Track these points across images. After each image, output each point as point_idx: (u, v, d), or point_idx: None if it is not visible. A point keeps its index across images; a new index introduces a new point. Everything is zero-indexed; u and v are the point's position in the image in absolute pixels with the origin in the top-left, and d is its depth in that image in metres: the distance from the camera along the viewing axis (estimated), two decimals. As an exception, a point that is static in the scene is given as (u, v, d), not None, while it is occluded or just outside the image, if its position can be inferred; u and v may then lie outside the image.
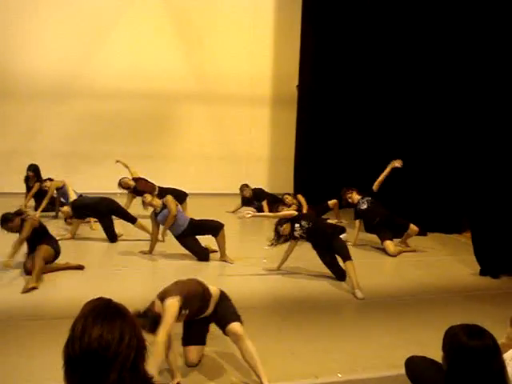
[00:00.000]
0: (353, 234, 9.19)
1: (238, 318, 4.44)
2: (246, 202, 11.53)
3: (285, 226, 7.21)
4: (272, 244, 7.33)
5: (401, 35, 10.52)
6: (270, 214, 8.75)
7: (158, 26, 13.24)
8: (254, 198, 11.44)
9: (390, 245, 8.78)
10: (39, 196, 10.30)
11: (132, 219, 8.96)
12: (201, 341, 4.69)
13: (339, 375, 4.68)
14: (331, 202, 10.62)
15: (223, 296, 4.66)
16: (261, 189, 11.63)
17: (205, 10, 13.59)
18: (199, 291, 4.46)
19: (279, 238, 7.26)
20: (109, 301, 2.02)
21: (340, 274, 7.24)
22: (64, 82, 12.81)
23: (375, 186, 9.29)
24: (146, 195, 8.36)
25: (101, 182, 12.07)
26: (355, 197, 9.24)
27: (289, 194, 10.92)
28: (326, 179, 12.10)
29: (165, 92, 13.31)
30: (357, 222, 9.23)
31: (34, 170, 10.65)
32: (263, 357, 4.92)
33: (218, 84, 13.64)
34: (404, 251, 8.91)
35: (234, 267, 7.77)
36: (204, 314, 4.50)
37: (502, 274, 7.78)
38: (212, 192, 13.09)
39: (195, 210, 11.00)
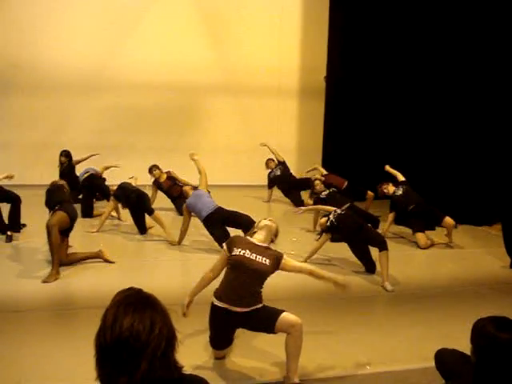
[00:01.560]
0: (384, 225, 9.11)
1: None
2: (272, 180, 11.69)
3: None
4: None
5: (426, 28, 10.44)
6: (319, 206, 8.66)
7: (186, 18, 13.26)
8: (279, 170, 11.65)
9: (421, 237, 8.71)
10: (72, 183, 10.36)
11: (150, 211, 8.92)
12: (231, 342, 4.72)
13: (368, 367, 4.67)
14: (369, 194, 10.54)
15: None
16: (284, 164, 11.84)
17: (232, 1, 13.58)
18: None
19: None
20: (139, 290, 2.05)
21: (370, 266, 7.20)
22: (92, 75, 12.91)
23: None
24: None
25: (128, 174, 12.14)
26: (391, 188, 9.17)
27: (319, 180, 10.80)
28: (354, 171, 12.02)
29: (192, 84, 13.34)
30: (391, 214, 9.13)
31: (66, 155, 10.79)
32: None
33: (245, 76, 13.63)
34: (434, 244, 8.83)
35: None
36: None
37: (532, 266, 7.68)
38: (239, 184, 13.10)
39: (223, 202, 11.04)
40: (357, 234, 7.13)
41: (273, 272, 4.48)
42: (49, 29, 12.73)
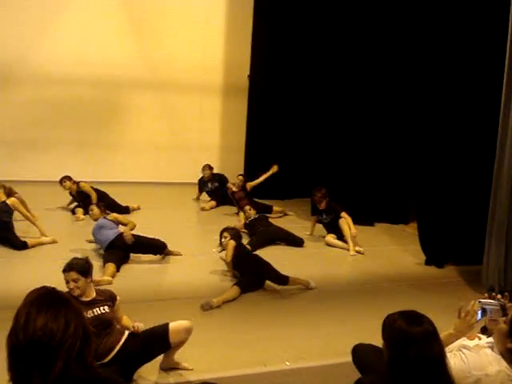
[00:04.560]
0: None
1: None
2: (202, 184, 11.50)
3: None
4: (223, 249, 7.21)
5: (352, 25, 10.61)
6: None
7: (108, 11, 12.96)
8: (213, 181, 11.41)
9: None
10: None
11: None
12: None
13: (287, 363, 4.72)
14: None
15: None
16: (223, 175, 11.63)
17: (156, -3, 13.41)
18: None
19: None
20: (53, 289, 2.00)
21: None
22: (9, 68, 12.44)
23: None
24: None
25: (47, 169, 11.84)
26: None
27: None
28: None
29: (114, 79, 13.09)
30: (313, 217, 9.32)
31: None
32: (211, 346, 4.95)
33: (168, 72, 13.47)
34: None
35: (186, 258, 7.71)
36: None
37: (446, 263, 7.96)
38: (162, 181, 12.97)
39: (145, 200, 10.94)
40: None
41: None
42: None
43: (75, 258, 4.53)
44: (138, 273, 7.07)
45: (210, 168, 11.48)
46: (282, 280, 6.49)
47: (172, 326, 4.28)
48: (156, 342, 4.27)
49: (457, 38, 7.68)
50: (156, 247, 7.43)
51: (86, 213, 9.08)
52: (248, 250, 7.30)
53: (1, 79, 12.45)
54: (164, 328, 4.28)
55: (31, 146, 12.32)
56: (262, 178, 10.73)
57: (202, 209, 10.81)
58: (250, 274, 6.57)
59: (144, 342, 4.24)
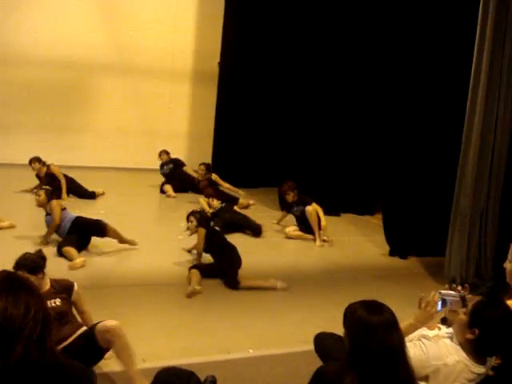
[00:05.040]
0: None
1: None
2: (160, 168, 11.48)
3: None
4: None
5: (324, 14, 10.63)
6: None
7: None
8: (168, 163, 11.39)
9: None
10: None
11: None
12: None
13: (250, 351, 4.75)
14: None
15: None
16: (179, 159, 11.58)
17: (126, -20, 13.24)
18: None
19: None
20: (13, 274, 1.98)
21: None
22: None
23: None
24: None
25: (12, 152, 11.66)
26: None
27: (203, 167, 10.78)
28: (243, 156, 12.16)
29: (83, 62, 12.88)
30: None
31: None
32: (175, 333, 4.95)
33: (137, 57, 13.33)
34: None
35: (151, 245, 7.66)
36: None
37: (410, 254, 8.07)
38: (129, 167, 12.87)
39: (111, 185, 10.86)
40: None
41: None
42: None
43: (25, 254, 4.32)
44: (105, 259, 7.02)
45: (167, 153, 11.54)
46: None
47: (98, 326, 4.06)
48: (88, 343, 4.05)
49: (423, 35, 7.76)
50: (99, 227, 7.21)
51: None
52: (217, 230, 7.23)
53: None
54: (91, 328, 4.11)
55: (-3, 129, 12.11)
56: (227, 185, 10.67)
57: (168, 195, 10.76)
58: (222, 257, 6.57)
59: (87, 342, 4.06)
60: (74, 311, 4.41)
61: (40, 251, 4.47)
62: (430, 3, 7.68)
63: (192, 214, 6.95)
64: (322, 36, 10.63)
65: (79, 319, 4.39)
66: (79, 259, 6.48)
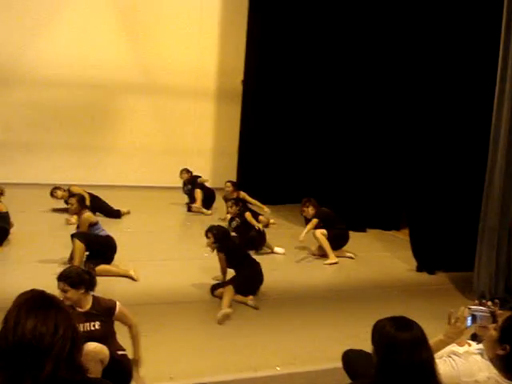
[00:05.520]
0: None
1: None
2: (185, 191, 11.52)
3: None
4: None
5: (345, 31, 10.66)
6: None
7: (102, 14, 12.97)
8: (189, 183, 11.40)
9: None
10: None
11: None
12: None
13: (278, 368, 4.72)
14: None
15: None
16: (198, 176, 11.60)
17: (150, 1, 13.39)
18: None
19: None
20: (42, 292, 1.99)
21: None
22: (3, 70, 12.42)
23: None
24: None
25: (39, 172, 11.82)
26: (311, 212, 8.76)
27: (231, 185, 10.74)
28: (268, 173, 12.18)
29: (108, 82, 13.07)
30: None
31: None
32: (201, 351, 4.94)
33: (162, 76, 13.48)
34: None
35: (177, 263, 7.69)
36: None
37: (437, 269, 7.97)
38: (155, 185, 12.97)
39: (137, 204, 10.93)
40: None
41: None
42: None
43: (71, 267, 4.30)
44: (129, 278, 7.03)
45: (188, 171, 11.58)
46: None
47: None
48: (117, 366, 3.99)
49: (450, 42, 7.72)
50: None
51: None
52: (237, 245, 7.19)
53: (-6, 80, 12.43)
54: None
55: (24, 149, 12.29)
56: (254, 201, 10.51)
57: (190, 209, 10.82)
58: (243, 271, 6.51)
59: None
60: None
61: (89, 266, 4.34)
62: (458, 4, 7.63)
63: (209, 230, 6.77)
64: (344, 53, 10.65)
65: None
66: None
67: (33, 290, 2.00)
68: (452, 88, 7.70)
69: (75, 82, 12.78)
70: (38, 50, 12.59)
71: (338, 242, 8.46)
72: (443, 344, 3.28)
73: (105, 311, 4.23)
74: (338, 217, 8.69)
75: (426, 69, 8.11)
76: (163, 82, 13.48)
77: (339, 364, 3.86)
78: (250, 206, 10.41)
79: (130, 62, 13.29)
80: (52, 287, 4.31)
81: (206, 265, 7.37)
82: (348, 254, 8.49)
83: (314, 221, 8.46)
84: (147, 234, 8.25)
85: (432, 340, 2.94)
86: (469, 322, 3.29)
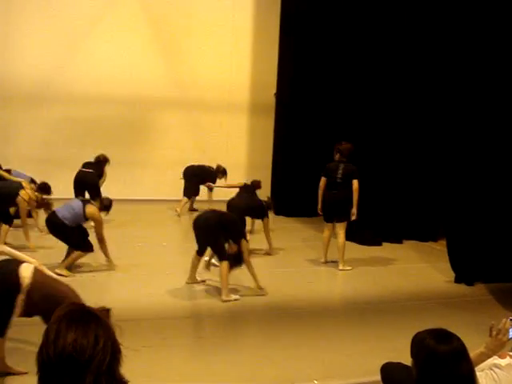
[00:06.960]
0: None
1: None
2: None
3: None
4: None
5: (377, 46, 10.62)
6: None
7: (136, 31, 13.18)
8: None
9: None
10: None
11: None
12: None
13: (315, 382, 4.69)
14: None
15: None
16: None
17: (183, 17, 13.57)
18: None
19: None
20: (82, 305, 2.01)
21: None
22: (40, 87, 12.69)
23: None
24: None
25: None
26: None
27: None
28: (302, 187, 12.14)
29: (142, 98, 13.25)
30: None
31: None
32: (238, 363, 4.93)
33: (195, 91, 13.61)
34: None
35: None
36: None
37: (476, 281, 7.86)
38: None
39: (172, 217, 11.01)
40: None
41: None
42: (-5, 39, 12.50)
43: None
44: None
45: None
46: None
47: None
48: None
49: (480, 47, 7.64)
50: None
51: None
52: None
53: (32, 98, 12.69)
54: None
55: (61, 165, 12.46)
56: None
57: None
58: None
59: None
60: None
61: None
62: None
63: None
64: (378, 66, 10.59)
65: None
66: None
67: (72, 304, 2.02)
68: (490, 99, 7.59)
69: (109, 99, 12.98)
70: (75, 67, 12.85)
71: None
72: (484, 356, 3.22)
73: None
74: None
75: (463, 80, 8.04)
76: (197, 96, 13.60)
77: (377, 377, 3.82)
78: None
79: (164, 77, 13.46)
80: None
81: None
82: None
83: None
84: (186, 245, 8.26)
85: (473, 353, 2.89)
86: (510, 334, 3.23)
